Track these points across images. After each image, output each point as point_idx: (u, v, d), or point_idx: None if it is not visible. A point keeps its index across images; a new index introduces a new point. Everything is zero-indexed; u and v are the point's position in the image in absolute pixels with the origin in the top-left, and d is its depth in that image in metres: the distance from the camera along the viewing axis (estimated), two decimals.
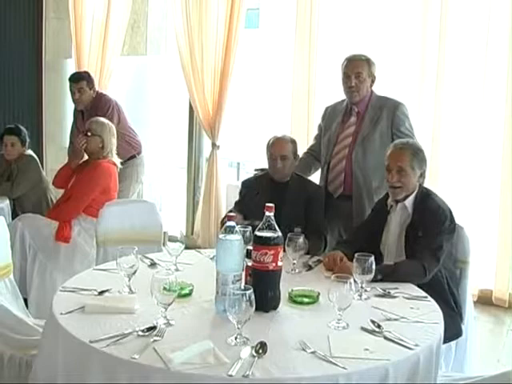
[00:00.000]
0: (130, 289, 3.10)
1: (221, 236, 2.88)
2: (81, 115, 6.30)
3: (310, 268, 3.67)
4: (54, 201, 5.78)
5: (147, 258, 3.62)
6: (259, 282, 2.84)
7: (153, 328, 2.63)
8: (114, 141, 5.20)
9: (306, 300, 3.11)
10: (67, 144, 7.89)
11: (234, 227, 2.88)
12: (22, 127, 5.78)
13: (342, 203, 4.60)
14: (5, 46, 7.79)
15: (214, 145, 6.69)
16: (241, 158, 7.31)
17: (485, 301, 5.76)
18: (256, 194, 4.35)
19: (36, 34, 7.91)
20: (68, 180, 5.25)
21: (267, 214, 2.94)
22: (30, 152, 5.76)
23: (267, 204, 2.96)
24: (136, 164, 6.22)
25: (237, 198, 6.56)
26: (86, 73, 6.34)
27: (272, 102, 6.75)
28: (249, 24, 8.52)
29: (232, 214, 2.95)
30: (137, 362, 2.37)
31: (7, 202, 5.33)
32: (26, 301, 4.36)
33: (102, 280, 3.27)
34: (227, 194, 6.87)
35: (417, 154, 3.78)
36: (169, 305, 2.71)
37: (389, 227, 3.85)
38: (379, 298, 3.22)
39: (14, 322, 3.40)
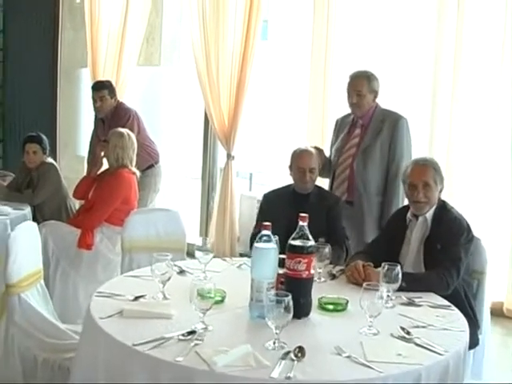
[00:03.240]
0: (164, 295, 3.19)
1: (257, 244, 2.98)
2: (101, 123, 6.39)
3: (334, 277, 3.77)
4: (73, 208, 5.88)
5: (176, 265, 3.70)
6: (292, 290, 2.92)
7: (192, 332, 2.72)
8: (134, 151, 5.29)
9: (335, 307, 3.20)
10: (82, 152, 8.04)
11: (269, 236, 2.97)
12: (42, 135, 5.87)
13: (345, 207, 4.83)
14: (21, 55, 7.92)
15: (229, 155, 6.77)
16: (253, 169, 7.38)
17: (496, 313, 5.82)
18: (277, 206, 4.44)
19: (52, 44, 8.03)
20: (88, 191, 5.35)
21: (301, 223, 3.03)
22: (50, 160, 5.86)
23: (301, 214, 3.05)
24: (154, 173, 6.33)
25: (250, 208, 6.73)
26: (108, 82, 6.46)
27: (285, 113, 6.83)
28: None
29: (267, 223, 3.02)
30: (181, 365, 2.46)
31: (29, 208, 5.41)
32: None
33: (135, 286, 3.35)
34: (241, 204, 6.96)
35: (438, 169, 3.92)
36: (207, 310, 2.80)
37: (409, 240, 3.95)
38: (404, 306, 3.31)
39: (48, 327, 3.50)
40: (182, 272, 3.64)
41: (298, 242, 3.00)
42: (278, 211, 4.34)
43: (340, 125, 5.17)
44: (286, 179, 6.65)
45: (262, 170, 7.51)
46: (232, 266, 3.90)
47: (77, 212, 5.50)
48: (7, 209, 5.22)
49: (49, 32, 8.06)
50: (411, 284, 3.46)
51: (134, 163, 5.28)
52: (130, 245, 4.34)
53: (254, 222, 6.84)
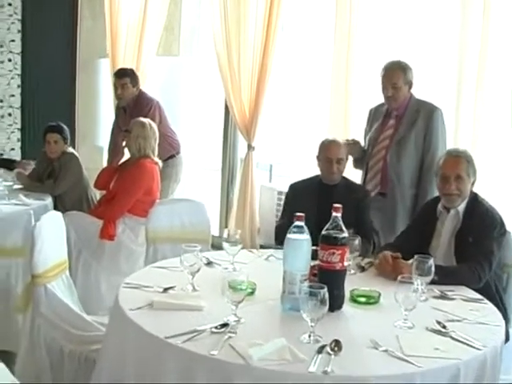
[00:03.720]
0: (194, 286, 3.13)
1: (290, 236, 2.92)
2: (123, 112, 6.34)
3: (363, 269, 3.70)
4: (95, 198, 5.83)
5: (203, 256, 3.64)
6: (326, 282, 2.85)
7: (225, 325, 2.66)
8: (156, 141, 5.23)
9: (367, 300, 3.14)
10: (100, 143, 8.00)
11: (302, 227, 2.91)
12: (63, 125, 5.81)
13: (377, 199, 4.79)
14: (39, 44, 7.86)
15: (249, 146, 6.69)
16: (273, 160, 7.31)
17: None
18: (304, 197, 4.38)
19: (71, 33, 8.00)
20: (109, 181, 5.29)
21: (334, 214, 2.97)
22: (71, 150, 5.80)
23: (334, 204, 2.99)
24: (175, 164, 6.27)
25: (270, 200, 6.67)
26: (131, 70, 6.40)
27: (306, 103, 6.75)
28: None
29: (300, 214, 2.95)
30: (216, 358, 2.40)
31: (50, 199, 5.36)
32: None
33: (163, 277, 3.29)
34: (260, 196, 6.90)
35: (471, 161, 3.85)
36: (239, 303, 2.74)
37: (439, 233, 3.88)
38: (437, 299, 3.25)
39: (73, 318, 3.45)
40: (209, 263, 3.58)
41: (331, 233, 2.93)
42: (305, 202, 4.28)
43: (374, 114, 5.08)
44: (306, 170, 6.61)
45: (282, 162, 7.43)
46: (259, 257, 3.84)
47: (98, 202, 5.44)
48: (29, 199, 5.15)
49: (67, 21, 8.03)
50: (443, 277, 3.38)
51: (156, 153, 5.22)
52: (154, 235, 4.29)
53: (279, 214, 6.94)
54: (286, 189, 6.80)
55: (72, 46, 8.06)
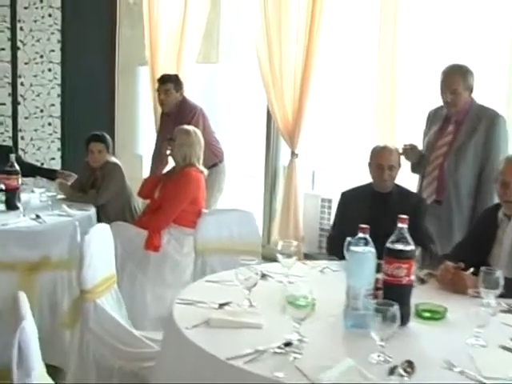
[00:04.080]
0: (250, 302, 2.97)
1: (354, 248, 2.75)
2: (166, 119, 6.23)
3: (422, 281, 3.51)
4: (138, 208, 5.70)
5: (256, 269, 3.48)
6: (391, 297, 2.67)
7: (288, 344, 2.49)
8: (201, 149, 5.09)
9: (433, 315, 2.96)
10: (140, 151, 7.88)
11: (366, 239, 2.74)
12: (106, 134, 5.71)
13: (433, 207, 4.62)
14: (79, 54, 7.77)
15: (293, 153, 6.53)
16: (315, 166, 7.11)
17: None
18: (356, 205, 4.22)
19: (110, 42, 7.90)
20: (153, 190, 5.16)
21: (400, 225, 2.79)
22: (114, 159, 5.68)
23: (400, 216, 2.81)
24: (218, 172, 6.11)
25: (314, 207, 6.50)
26: (175, 75, 6.28)
27: (351, 108, 6.56)
28: None
29: (364, 226, 2.78)
30: (282, 382, 2.23)
31: (93, 209, 5.22)
32: None
33: (217, 292, 3.13)
34: (304, 203, 6.72)
35: None
36: (302, 320, 2.57)
37: (500, 241, 3.68)
38: (505, 313, 3.05)
39: (123, 333, 3.32)
40: (263, 276, 3.41)
41: (397, 246, 2.75)
42: (357, 211, 4.14)
43: (433, 117, 4.88)
44: (351, 176, 6.44)
45: (325, 168, 7.24)
46: (313, 269, 3.67)
47: (142, 212, 5.30)
48: (72, 210, 5.03)
49: (106, 30, 7.92)
50: (510, 290, 3.19)
51: (201, 161, 5.08)
52: (202, 247, 4.14)
53: (323, 221, 6.79)
54: (330, 196, 6.73)
55: (111, 55, 7.94)
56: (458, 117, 4.64)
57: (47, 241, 4.03)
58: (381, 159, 4.20)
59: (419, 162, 4.79)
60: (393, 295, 2.69)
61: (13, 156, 5.12)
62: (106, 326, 3.26)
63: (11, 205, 5.02)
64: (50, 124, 7.94)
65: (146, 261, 4.80)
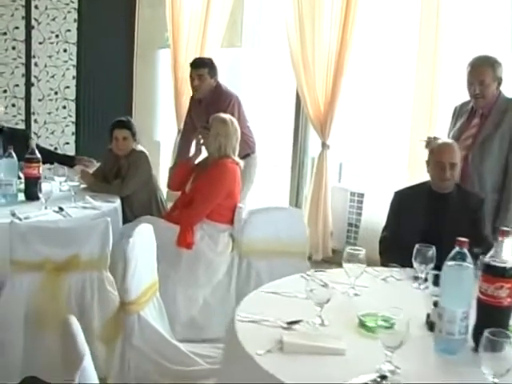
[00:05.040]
0: (322, 320, 2.56)
1: (450, 263, 2.34)
2: (197, 105, 5.78)
3: None
4: (164, 201, 5.28)
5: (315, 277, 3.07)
6: (489, 320, 2.29)
7: (383, 377, 2.09)
8: (238, 139, 4.67)
9: None
10: (158, 137, 7.46)
11: (465, 254, 2.33)
12: (131, 120, 5.28)
13: None
14: (96, 34, 7.37)
15: (323, 144, 6.14)
16: (343, 158, 6.70)
17: None
18: (412, 206, 3.82)
19: (128, 23, 7.49)
20: (185, 182, 4.75)
21: (500, 238, 2.37)
22: (140, 147, 5.24)
23: (502, 227, 2.40)
24: (250, 164, 5.68)
25: (342, 201, 6.11)
26: (210, 60, 5.80)
27: (385, 98, 6.12)
28: None
29: (463, 239, 2.37)
30: None
31: (119, 201, 4.79)
32: None
33: (279, 306, 2.75)
34: (332, 197, 6.32)
35: None
36: (397, 348, 2.16)
37: None
38: None
39: (168, 349, 2.92)
40: (324, 286, 3.00)
41: (497, 262, 2.34)
42: (413, 212, 3.77)
43: (459, 111, 4.65)
44: (382, 170, 6.04)
45: (353, 160, 6.83)
46: (376, 278, 3.25)
47: (173, 206, 4.86)
48: (97, 201, 4.62)
49: (125, 10, 7.51)
50: None
51: (236, 152, 4.66)
52: (247, 248, 3.73)
53: (352, 216, 6.40)
54: (360, 189, 6.32)
55: (130, 36, 7.53)
56: (484, 110, 4.42)
57: (77, 238, 3.59)
58: (442, 156, 3.78)
59: None
60: (491, 318, 2.31)
61: (33, 142, 4.69)
62: (150, 341, 2.87)
63: (31, 195, 4.61)
64: (64, 107, 7.52)
65: (178, 259, 4.38)
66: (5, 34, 7.19)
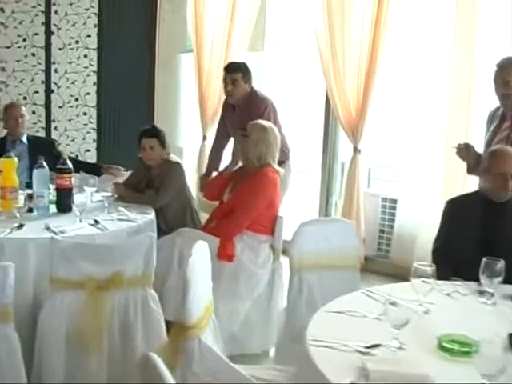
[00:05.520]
0: (400, 343, 2.37)
1: None
2: (231, 111, 5.56)
3: None
4: (198, 211, 5.09)
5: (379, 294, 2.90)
6: None
7: None
8: (278, 147, 4.49)
9: None
10: (181, 144, 7.29)
11: None
12: (158, 127, 5.10)
13: None
14: (117, 39, 7.23)
15: (355, 149, 5.96)
16: (372, 163, 6.50)
17: None
18: (466, 216, 3.63)
19: (150, 27, 7.32)
20: (222, 191, 4.57)
21: None
22: (174, 157, 5.05)
23: None
24: (285, 171, 5.46)
25: (373, 207, 5.93)
26: (244, 64, 5.55)
27: (418, 101, 5.91)
28: None
29: None
30: None
31: (153, 212, 4.59)
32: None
33: (349, 328, 2.58)
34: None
35: None
36: (493, 377, 1.98)
37: None
38: None
39: (230, 375, 2.71)
40: (393, 304, 2.81)
41: None
42: (467, 222, 3.58)
43: (492, 117, 4.50)
44: (414, 176, 5.84)
45: (384, 165, 6.63)
46: (440, 293, 3.06)
47: (210, 217, 4.67)
48: (131, 212, 4.43)
49: (146, 14, 7.35)
50: None
51: (276, 160, 4.48)
52: (299, 264, 3.51)
53: (384, 223, 6.21)
54: (393, 195, 6.13)
55: (151, 41, 7.37)
56: None
57: (120, 255, 3.41)
58: (504, 166, 3.54)
59: (476, 162, 4.25)
60: None
61: (62, 153, 4.52)
62: (211, 367, 2.66)
63: (64, 207, 4.43)
64: (85, 114, 7.36)
65: (219, 271, 4.17)
66: (24, 40, 7.03)
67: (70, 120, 7.29)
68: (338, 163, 6.46)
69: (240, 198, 4.31)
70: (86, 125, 7.35)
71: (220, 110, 5.92)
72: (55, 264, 3.37)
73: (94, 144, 7.41)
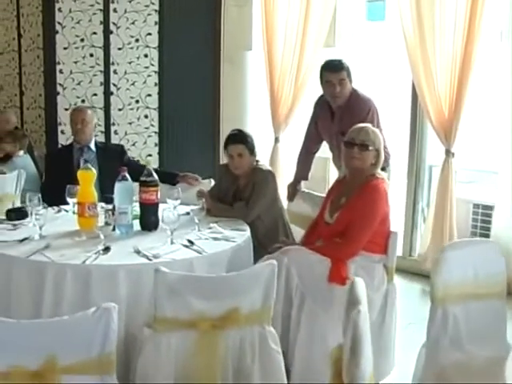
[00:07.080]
0: None
1: None
2: (327, 113, 4.91)
3: None
4: (289, 223, 4.51)
5: None
6: None
7: None
8: (382, 154, 3.90)
9: None
10: None
11: None
12: (245, 131, 4.52)
13: None
14: (179, 37, 6.72)
15: (448, 152, 5.37)
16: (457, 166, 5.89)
17: None
18: None
19: (213, 24, 6.81)
20: (324, 205, 4.00)
21: None
22: (266, 166, 4.46)
23: None
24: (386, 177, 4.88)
25: (464, 214, 5.35)
26: (345, 62, 4.85)
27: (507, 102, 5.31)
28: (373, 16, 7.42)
29: None
30: None
31: (248, 227, 4.01)
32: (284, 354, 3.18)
33: None
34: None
35: None
36: None
37: None
38: None
39: None
40: None
41: None
42: None
43: None
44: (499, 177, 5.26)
45: (468, 167, 6.03)
46: None
47: (310, 233, 4.07)
48: (225, 229, 3.88)
49: (210, 10, 6.81)
50: None
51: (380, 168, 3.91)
52: (444, 294, 2.94)
53: (476, 231, 5.61)
54: (489, 201, 5.52)
55: (215, 38, 6.83)
56: None
57: (237, 289, 2.85)
58: None
59: None
60: None
61: (149, 166, 3.96)
62: None
63: (149, 225, 3.89)
64: (146, 116, 6.82)
65: (330, 296, 3.61)
66: (82, 40, 6.52)
67: (130, 123, 6.78)
68: (425, 166, 5.87)
69: (355, 215, 3.69)
70: (147, 128, 6.82)
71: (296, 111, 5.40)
72: (160, 302, 2.83)
73: (156, 148, 6.88)
